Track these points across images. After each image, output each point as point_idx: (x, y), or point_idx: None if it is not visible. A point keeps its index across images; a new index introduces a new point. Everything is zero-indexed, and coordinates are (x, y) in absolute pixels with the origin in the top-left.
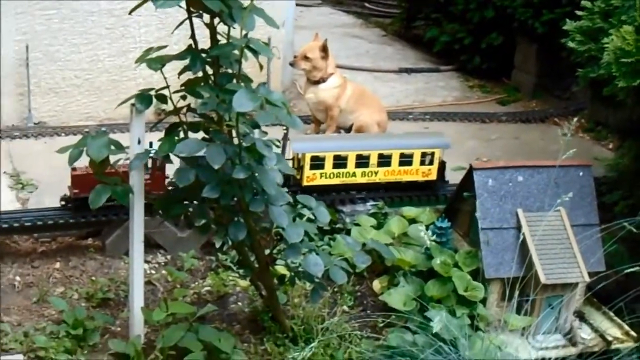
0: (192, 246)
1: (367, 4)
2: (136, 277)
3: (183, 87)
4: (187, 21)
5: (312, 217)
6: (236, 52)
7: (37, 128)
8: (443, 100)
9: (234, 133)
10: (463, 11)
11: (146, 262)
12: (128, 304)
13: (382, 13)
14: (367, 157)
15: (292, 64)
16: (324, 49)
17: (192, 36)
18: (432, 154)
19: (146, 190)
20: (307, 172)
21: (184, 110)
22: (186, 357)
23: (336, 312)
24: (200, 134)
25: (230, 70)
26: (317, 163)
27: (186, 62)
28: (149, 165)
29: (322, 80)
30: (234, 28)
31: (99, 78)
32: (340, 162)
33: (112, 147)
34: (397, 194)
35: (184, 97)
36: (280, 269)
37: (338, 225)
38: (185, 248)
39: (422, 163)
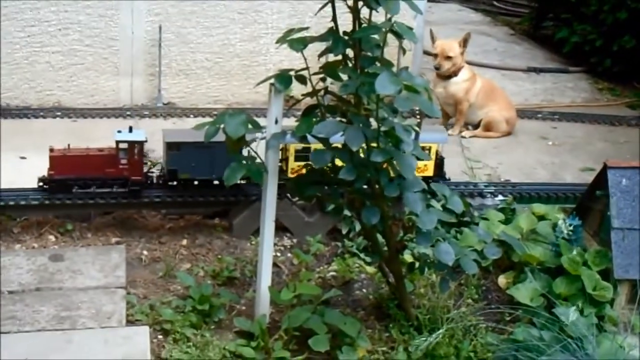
0: (319, 231)
1: (495, 2)
2: (265, 256)
3: (320, 70)
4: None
5: (439, 207)
6: (376, 36)
7: (166, 108)
8: (572, 101)
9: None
10: (595, 12)
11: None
12: (254, 283)
13: (511, 12)
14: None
15: (437, 68)
16: (464, 43)
17: (334, 19)
18: (428, 149)
19: (124, 175)
20: (292, 163)
21: (322, 92)
22: (311, 338)
23: (461, 304)
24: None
25: (370, 54)
26: (303, 155)
27: (324, 44)
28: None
29: (453, 74)
30: (377, 12)
31: (229, 62)
32: None
33: (249, 126)
34: None
35: (323, 79)
36: (406, 257)
37: (465, 219)
38: (312, 232)
39: (417, 158)
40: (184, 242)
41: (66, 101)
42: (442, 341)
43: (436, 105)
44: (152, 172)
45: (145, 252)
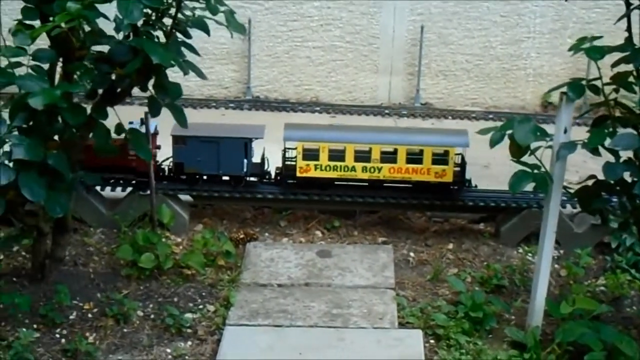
0: (587, 243)
1: None
2: (543, 267)
3: (610, 80)
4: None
5: None
6: None
7: (424, 108)
8: None
9: None
10: None
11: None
12: (522, 293)
13: None
14: (368, 152)
15: None
16: None
17: (628, 29)
18: (446, 152)
19: (132, 166)
20: (300, 162)
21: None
22: (587, 355)
23: None
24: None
25: None
26: (311, 154)
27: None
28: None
29: None
30: None
31: (489, 65)
32: (336, 154)
33: (538, 134)
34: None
35: (616, 90)
36: None
37: None
38: (580, 244)
39: (435, 162)
40: (450, 246)
41: (324, 96)
42: None
43: None
44: (164, 165)
45: (412, 254)
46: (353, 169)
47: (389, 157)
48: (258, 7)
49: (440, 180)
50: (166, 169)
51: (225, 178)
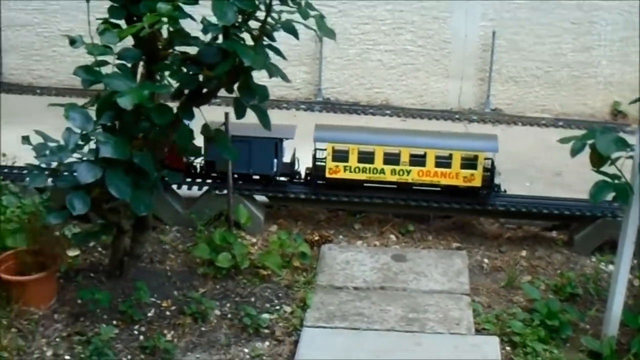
0: None
1: None
2: (621, 277)
3: None
4: None
5: None
6: None
7: (494, 114)
8: None
9: None
10: None
11: (610, 262)
12: (596, 302)
13: None
14: (397, 154)
15: None
16: None
17: None
18: (475, 157)
19: (165, 164)
20: (330, 163)
21: None
22: None
23: None
24: None
25: None
26: (341, 155)
27: None
28: None
29: None
30: None
31: (559, 72)
32: (366, 156)
33: (619, 144)
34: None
35: None
36: None
37: None
38: None
39: (464, 167)
40: (524, 253)
41: (394, 100)
42: None
43: None
44: (196, 164)
45: (485, 260)
46: (382, 171)
47: (418, 160)
48: (331, 9)
49: (469, 185)
50: (198, 167)
51: (256, 177)
